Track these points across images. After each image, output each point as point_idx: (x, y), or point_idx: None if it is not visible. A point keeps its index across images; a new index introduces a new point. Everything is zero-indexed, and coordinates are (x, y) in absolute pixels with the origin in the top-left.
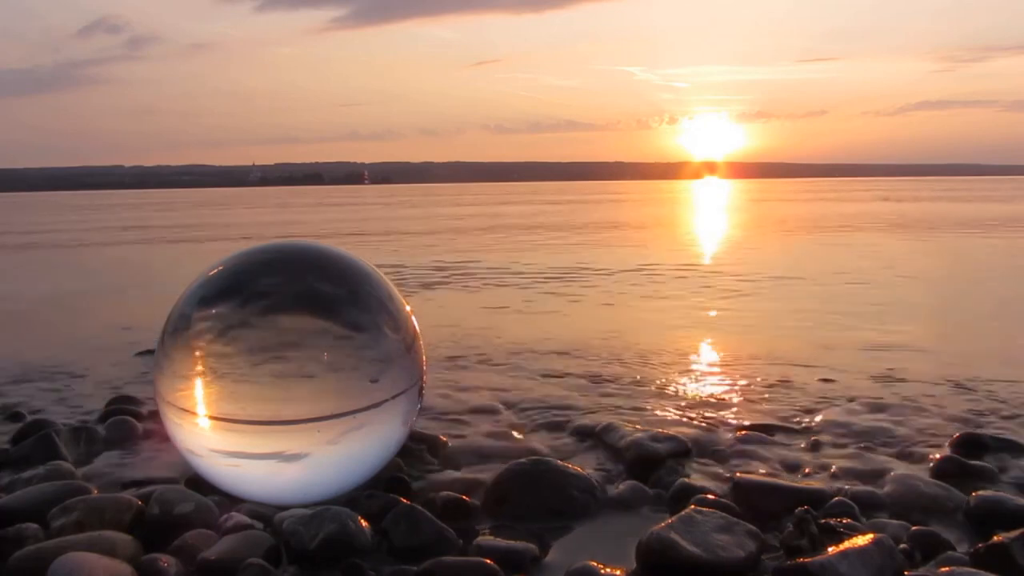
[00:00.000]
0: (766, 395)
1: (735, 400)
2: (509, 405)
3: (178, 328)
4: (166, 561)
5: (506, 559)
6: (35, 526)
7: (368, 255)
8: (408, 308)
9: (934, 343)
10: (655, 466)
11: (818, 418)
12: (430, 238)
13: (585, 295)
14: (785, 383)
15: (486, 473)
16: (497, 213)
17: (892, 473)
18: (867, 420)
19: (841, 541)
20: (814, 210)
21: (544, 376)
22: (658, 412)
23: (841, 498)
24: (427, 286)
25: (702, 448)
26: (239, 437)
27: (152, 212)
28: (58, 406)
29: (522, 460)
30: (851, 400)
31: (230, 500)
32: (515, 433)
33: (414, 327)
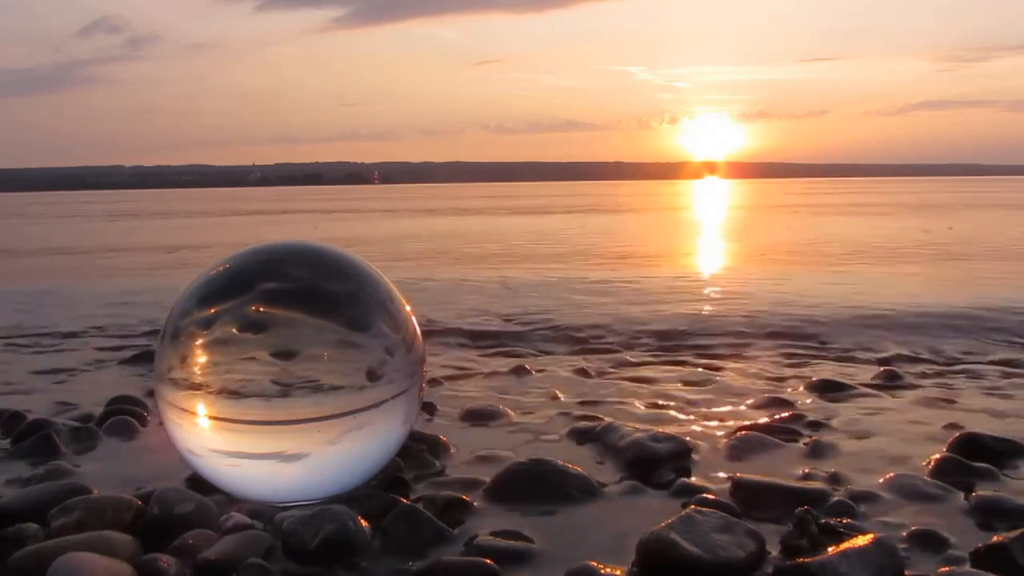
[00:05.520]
0: (767, 395)
1: (736, 399)
2: (509, 404)
3: (178, 328)
4: (166, 561)
5: (506, 559)
6: (35, 526)
7: None
8: (408, 308)
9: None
10: (655, 466)
11: (819, 418)
12: None
13: None
14: (786, 383)
15: (486, 473)
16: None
17: (892, 473)
18: (868, 420)
19: (841, 541)
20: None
21: (544, 373)
22: (658, 412)
23: (841, 498)
24: None
25: (702, 448)
26: (239, 437)
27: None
28: (58, 406)
29: (522, 460)
30: (852, 400)
31: (230, 500)
32: (514, 432)
33: (414, 327)
